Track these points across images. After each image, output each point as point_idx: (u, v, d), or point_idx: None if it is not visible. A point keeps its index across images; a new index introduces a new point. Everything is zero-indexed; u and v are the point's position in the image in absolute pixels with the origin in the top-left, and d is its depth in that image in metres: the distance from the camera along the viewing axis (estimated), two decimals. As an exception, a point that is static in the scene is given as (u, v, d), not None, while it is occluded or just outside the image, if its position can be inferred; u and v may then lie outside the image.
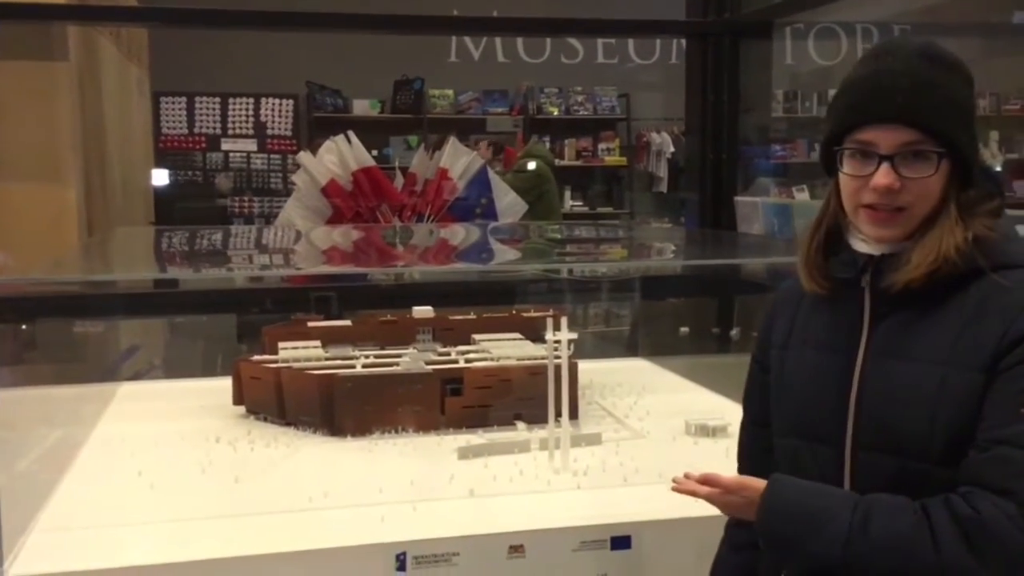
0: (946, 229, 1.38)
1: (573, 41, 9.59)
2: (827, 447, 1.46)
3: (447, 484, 2.10)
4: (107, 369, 3.83)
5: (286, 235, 4.36)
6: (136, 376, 3.81)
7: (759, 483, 1.43)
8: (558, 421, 2.21)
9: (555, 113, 9.74)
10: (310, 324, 2.93)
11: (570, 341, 2.20)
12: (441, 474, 2.15)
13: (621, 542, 1.85)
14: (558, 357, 2.19)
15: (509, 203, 4.55)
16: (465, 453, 2.29)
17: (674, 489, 1.50)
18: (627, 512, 1.91)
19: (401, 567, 1.76)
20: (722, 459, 2.25)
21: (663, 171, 9.89)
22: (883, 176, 1.38)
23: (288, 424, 2.57)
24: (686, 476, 1.49)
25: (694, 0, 4.89)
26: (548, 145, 9.71)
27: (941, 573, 1.28)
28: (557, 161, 9.68)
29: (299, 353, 2.71)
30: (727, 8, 4.75)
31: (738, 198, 4.66)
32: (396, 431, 2.49)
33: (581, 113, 9.82)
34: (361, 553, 1.78)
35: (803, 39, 8.25)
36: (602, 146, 9.92)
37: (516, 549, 1.81)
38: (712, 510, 1.50)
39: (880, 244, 1.43)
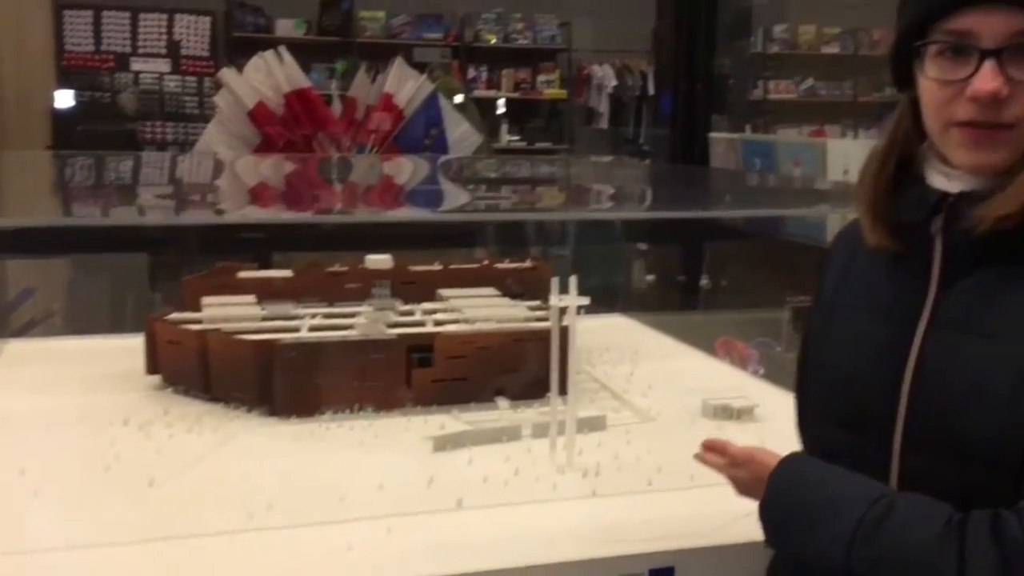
0: None
1: (514, -38, 9.03)
2: (871, 444, 1.10)
3: (426, 490, 1.64)
4: (-9, 318, 3.27)
5: (205, 165, 3.79)
6: (28, 328, 3.26)
7: (771, 457, 1.18)
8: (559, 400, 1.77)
9: (493, 41, 9.18)
10: (241, 274, 2.43)
11: (580, 307, 1.74)
12: (416, 475, 1.70)
13: (662, 574, 1.43)
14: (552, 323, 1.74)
15: (462, 133, 4.05)
16: (442, 443, 1.84)
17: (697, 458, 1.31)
18: (665, 533, 1.49)
19: (378, 615, 1.32)
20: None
21: (604, 106, 9.47)
22: (987, 78, 1.01)
23: (215, 400, 2.08)
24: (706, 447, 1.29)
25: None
26: (484, 76, 9.20)
27: None
28: (494, 93, 9.18)
29: (229, 312, 2.22)
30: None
31: (712, 135, 4.24)
32: (352, 410, 2.02)
33: (520, 42, 9.28)
34: (324, 597, 1.32)
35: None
36: (541, 78, 9.42)
37: (528, 587, 1.37)
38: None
39: (976, 175, 1.05)
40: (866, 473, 1.09)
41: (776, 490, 1.14)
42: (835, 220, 2.78)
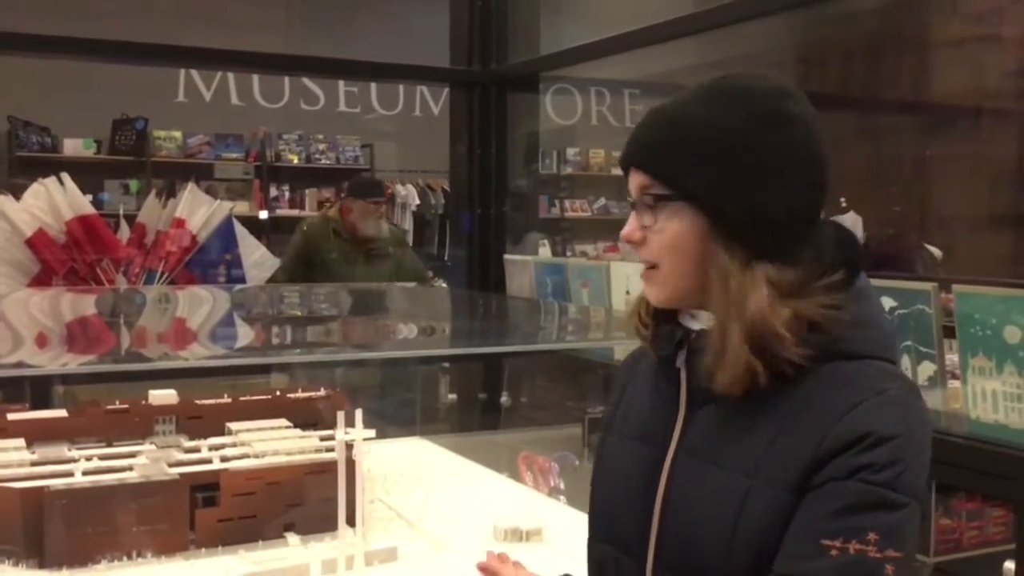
0: (732, 315, 1.10)
1: (313, 87, 9.16)
2: (632, 562, 1.19)
3: (208, 641, 1.58)
4: None
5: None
6: None
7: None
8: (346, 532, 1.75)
9: (295, 161, 9.20)
10: (10, 416, 2.28)
11: (366, 439, 1.75)
12: (197, 624, 1.63)
13: None
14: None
15: (258, 259, 4.01)
16: (227, 588, 1.78)
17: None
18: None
19: None
20: (546, 569, 1.89)
21: (408, 224, 9.62)
22: (627, 225, 1.20)
23: (-23, 555, 1.93)
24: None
25: (458, 50, 4.62)
26: (287, 195, 9.19)
27: None
28: (297, 212, 9.16)
29: (-6, 457, 2.07)
30: (493, 59, 4.52)
31: (507, 256, 4.39)
32: (130, 557, 1.92)
33: (323, 162, 9.34)
34: None
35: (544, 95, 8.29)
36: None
37: None
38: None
39: (663, 304, 1.21)
40: None
41: None
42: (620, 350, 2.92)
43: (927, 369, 2.35)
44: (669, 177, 1.15)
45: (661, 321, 1.24)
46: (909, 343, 2.36)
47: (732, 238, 1.11)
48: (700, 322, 1.19)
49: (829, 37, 6.43)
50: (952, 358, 2.37)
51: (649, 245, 1.18)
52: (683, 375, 1.19)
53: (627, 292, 3.33)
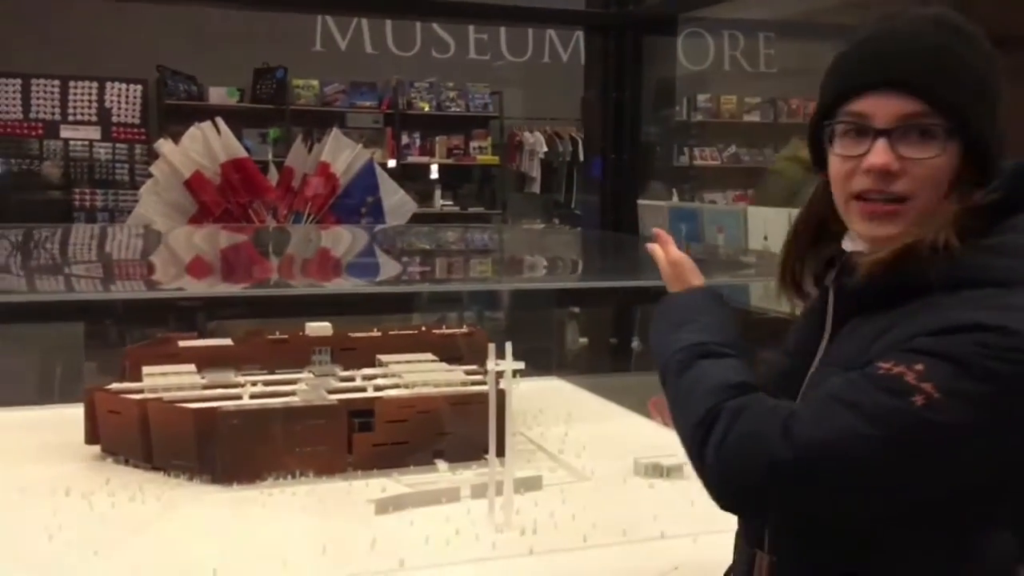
0: (930, 227, 1.11)
1: (444, 34, 9.24)
2: None
3: (369, 552, 1.69)
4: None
5: (142, 237, 3.81)
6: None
7: (694, 276, 1.41)
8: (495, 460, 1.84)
9: (426, 109, 9.34)
10: (181, 343, 2.46)
11: (516, 371, 1.82)
12: (359, 537, 1.74)
13: (598, 627, 1.50)
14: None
15: (398, 202, 4.14)
16: (384, 506, 1.89)
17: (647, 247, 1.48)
18: (600, 587, 1.56)
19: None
20: (686, 506, 1.95)
21: (536, 171, 9.66)
22: (878, 154, 1.13)
23: (156, 469, 2.10)
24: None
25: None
26: (418, 142, 9.34)
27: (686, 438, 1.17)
28: (427, 159, 9.32)
29: (170, 380, 2.24)
30: (629, 1, 4.49)
31: (641, 201, 4.39)
32: (293, 475, 2.06)
33: (453, 110, 9.45)
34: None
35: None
36: (474, 144, 9.59)
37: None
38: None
39: (875, 246, 1.17)
40: None
41: (690, 293, 1.37)
42: (757, 286, 2.91)
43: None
44: (951, 107, 1.12)
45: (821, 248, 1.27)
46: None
47: (975, 173, 1.14)
48: (857, 245, 1.20)
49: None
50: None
51: (906, 177, 1.13)
52: (831, 295, 1.23)
53: (765, 238, 3.31)
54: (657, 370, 1.29)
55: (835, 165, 1.19)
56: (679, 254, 1.44)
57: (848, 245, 1.22)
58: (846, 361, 1.13)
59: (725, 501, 1.13)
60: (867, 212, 1.16)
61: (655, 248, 1.46)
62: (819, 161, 1.25)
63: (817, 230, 1.29)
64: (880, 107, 1.14)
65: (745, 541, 1.27)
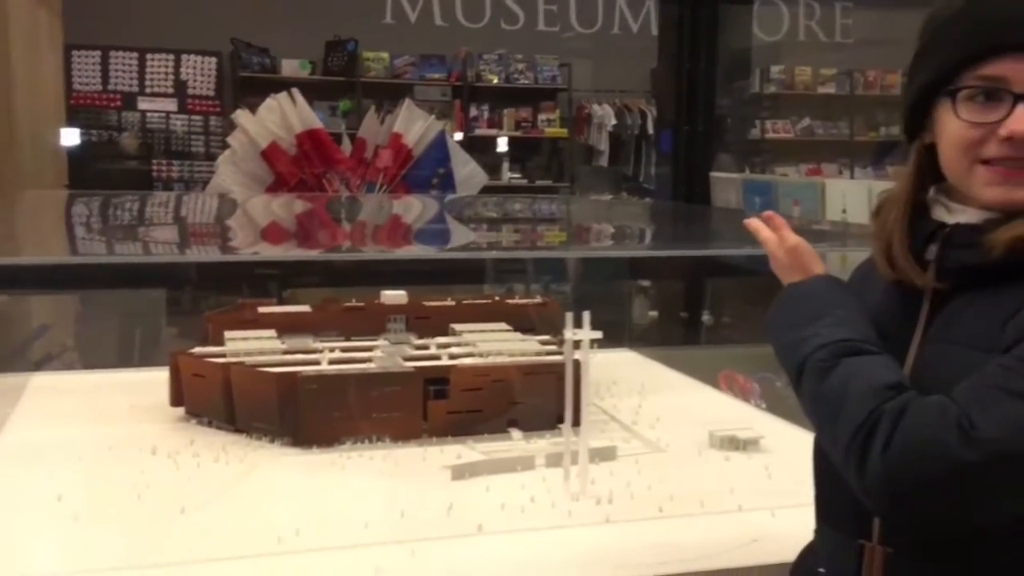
0: None
1: (513, 5, 9.20)
2: None
3: (446, 516, 1.72)
4: (10, 354, 3.33)
5: (221, 205, 3.89)
6: (46, 362, 3.33)
7: (815, 263, 1.29)
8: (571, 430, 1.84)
9: (495, 81, 9.33)
10: (261, 310, 2.51)
11: (593, 341, 1.82)
12: (436, 501, 1.77)
13: (675, 596, 1.50)
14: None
15: (469, 173, 4.15)
16: (460, 472, 1.91)
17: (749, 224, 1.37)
18: (678, 558, 1.56)
19: (406, 634, 1.38)
20: (763, 479, 1.94)
21: (604, 144, 9.60)
22: (1020, 120, 1.08)
23: (239, 431, 2.15)
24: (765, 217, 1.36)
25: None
26: (486, 115, 9.33)
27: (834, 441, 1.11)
28: (495, 132, 9.32)
29: (251, 345, 2.29)
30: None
31: (713, 173, 4.34)
32: (370, 440, 2.10)
33: (521, 82, 9.42)
34: (355, 616, 1.39)
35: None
36: (542, 117, 9.56)
37: (548, 607, 1.44)
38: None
39: (987, 211, 1.14)
40: None
41: (816, 282, 1.26)
42: (834, 258, 2.85)
43: None
44: None
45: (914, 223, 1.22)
46: None
47: None
48: (959, 217, 1.17)
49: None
50: None
51: None
52: (931, 270, 1.17)
53: (843, 211, 3.25)
54: (786, 367, 1.21)
55: (958, 131, 1.14)
56: (797, 239, 1.32)
57: (958, 217, 1.17)
58: (970, 339, 1.09)
59: (894, 509, 1.06)
60: (1000, 176, 1.12)
61: (764, 231, 1.34)
62: (913, 129, 1.22)
63: (915, 210, 1.23)
64: (1018, 71, 1.09)
65: (840, 530, 1.21)
